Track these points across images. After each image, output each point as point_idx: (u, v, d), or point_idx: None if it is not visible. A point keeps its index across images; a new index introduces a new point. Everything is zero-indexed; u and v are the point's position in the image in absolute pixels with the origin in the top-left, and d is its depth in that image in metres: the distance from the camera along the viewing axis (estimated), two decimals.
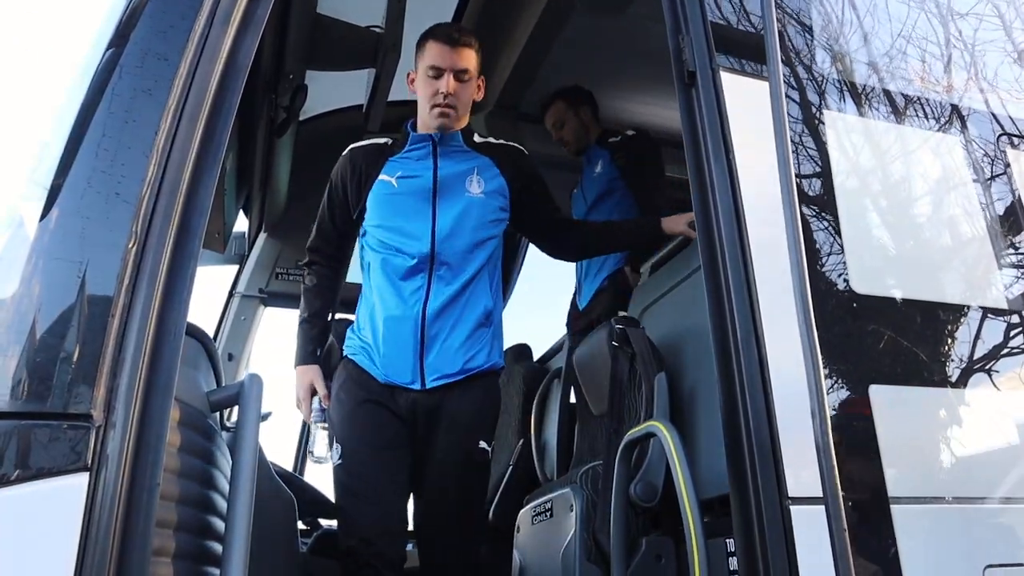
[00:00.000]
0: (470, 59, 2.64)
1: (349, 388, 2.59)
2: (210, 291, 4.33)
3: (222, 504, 1.64)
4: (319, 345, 2.74)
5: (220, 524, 1.59)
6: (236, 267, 4.29)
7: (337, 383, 2.64)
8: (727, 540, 1.98)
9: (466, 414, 2.54)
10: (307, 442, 2.57)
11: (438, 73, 2.60)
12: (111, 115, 1.45)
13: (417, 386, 2.53)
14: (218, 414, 1.86)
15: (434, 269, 2.57)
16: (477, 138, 2.79)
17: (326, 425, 2.65)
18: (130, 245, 1.38)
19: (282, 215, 4.12)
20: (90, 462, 1.26)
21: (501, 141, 2.83)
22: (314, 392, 2.69)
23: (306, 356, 2.71)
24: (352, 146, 2.78)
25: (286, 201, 4.02)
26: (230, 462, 1.62)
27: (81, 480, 1.25)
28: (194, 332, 1.69)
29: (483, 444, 2.56)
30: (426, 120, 2.68)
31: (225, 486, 1.65)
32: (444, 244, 2.58)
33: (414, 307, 2.56)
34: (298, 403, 2.73)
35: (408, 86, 2.73)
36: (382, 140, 2.76)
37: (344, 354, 2.70)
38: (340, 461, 2.51)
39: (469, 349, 2.57)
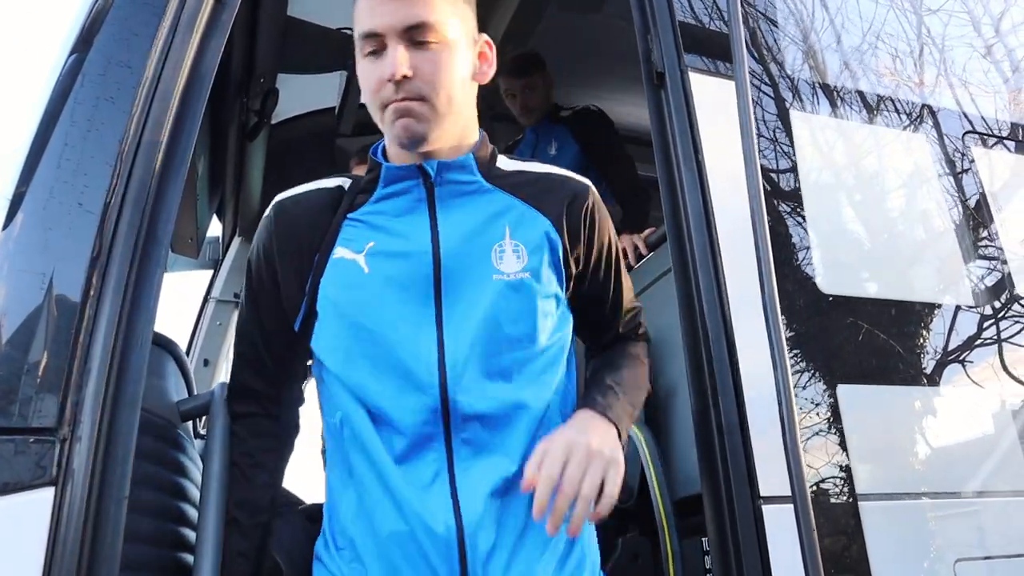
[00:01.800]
0: (429, 6, 1.36)
1: None
2: (186, 295, 4.30)
3: (194, 514, 1.63)
4: (258, 558, 1.48)
5: (192, 535, 1.58)
6: (211, 272, 4.26)
7: None
8: (703, 539, 2.00)
9: None
10: None
11: (376, 46, 1.37)
12: (73, 124, 1.43)
13: None
14: (192, 421, 1.85)
15: (453, 433, 1.36)
16: (506, 163, 1.52)
17: None
18: (95, 256, 1.37)
19: (256, 219, 4.09)
20: (56, 476, 1.25)
21: (554, 169, 1.55)
22: None
23: None
24: (280, 198, 1.51)
25: (260, 205, 4.00)
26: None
27: (47, 495, 1.24)
28: (162, 341, 1.68)
29: None
30: (389, 138, 1.46)
31: (196, 496, 1.64)
32: (464, 381, 1.36)
33: (438, 514, 1.33)
34: None
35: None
36: (332, 184, 1.50)
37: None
38: None
39: None
